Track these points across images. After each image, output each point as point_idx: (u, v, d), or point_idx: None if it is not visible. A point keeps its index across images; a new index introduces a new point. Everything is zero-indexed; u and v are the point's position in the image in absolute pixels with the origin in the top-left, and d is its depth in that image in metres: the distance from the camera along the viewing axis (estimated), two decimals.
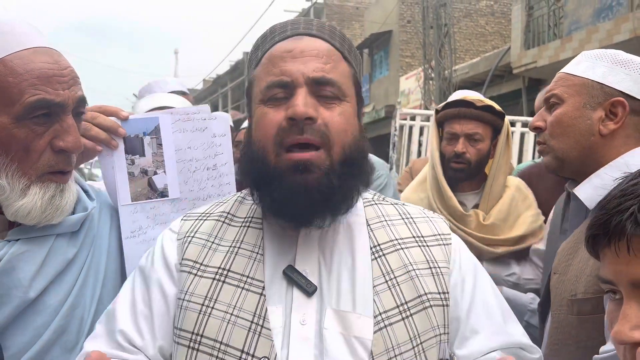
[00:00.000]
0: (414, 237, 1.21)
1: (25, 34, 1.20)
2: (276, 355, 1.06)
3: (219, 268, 1.15)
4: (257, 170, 1.13)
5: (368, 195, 1.28)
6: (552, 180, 2.28)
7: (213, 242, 1.19)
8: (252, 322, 1.08)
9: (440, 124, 2.51)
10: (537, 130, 1.66)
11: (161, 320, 1.15)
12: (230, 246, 1.18)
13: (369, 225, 1.21)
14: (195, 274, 1.15)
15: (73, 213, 1.31)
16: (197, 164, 1.52)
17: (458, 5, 19.48)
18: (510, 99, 13.41)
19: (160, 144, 1.49)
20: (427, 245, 1.20)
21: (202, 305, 1.11)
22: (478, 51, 19.66)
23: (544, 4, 12.49)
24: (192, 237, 1.21)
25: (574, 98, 1.49)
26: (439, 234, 1.23)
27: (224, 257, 1.16)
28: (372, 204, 1.26)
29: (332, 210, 1.12)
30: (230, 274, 1.14)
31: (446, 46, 15.24)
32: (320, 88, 1.11)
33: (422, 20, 16.03)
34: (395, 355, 1.07)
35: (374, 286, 1.12)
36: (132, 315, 1.15)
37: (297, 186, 1.07)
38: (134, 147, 1.48)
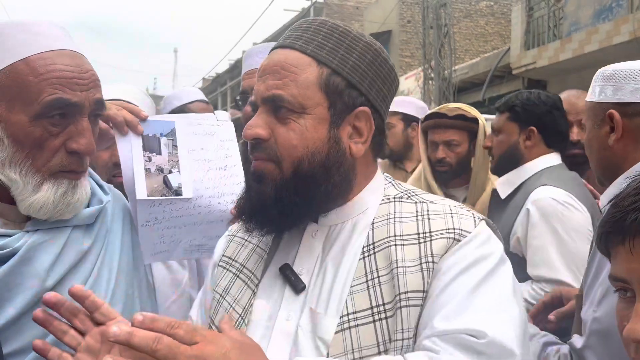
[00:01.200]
0: (417, 233, 1.11)
1: (54, 36, 1.24)
2: None
3: (240, 264, 1.26)
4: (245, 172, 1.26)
5: (392, 192, 1.21)
6: None
7: (246, 240, 1.30)
8: (240, 314, 1.18)
9: (425, 132, 2.94)
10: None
11: (199, 310, 1.34)
12: (254, 244, 1.28)
13: (373, 223, 1.17)
14: (227, 269, 1.28)
15: (88, 206, 1.35)
16: (210, 164, 1.61)
17: (458, 6, 19.49)
18: None
19: (176, 146, 1.58)
20: (431, 240, 1.09)
21: (220, 296, 1.24)
22: (478, 51, 19.67)
23: (544, 4, 12.50)
24: (235, 235, 1.33)
25: (588, 122, 1.66)
26: (454, 229, 1.09)
27: (247, 254, 1.27)
28: (390, 202, 1.19)
29: (280, 221, 1.16)
30: (244, 270, 1.25)
31: (446, 46, 15.25)
32: (273, 106, 1.14)
33: (422, 20, 16.04)
34: (355, 359, 1.04)
35: (352, 286, 1.11)
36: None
37: (254, 192, 1.17)
38: (151, 145, 1.55)
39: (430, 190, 2.81)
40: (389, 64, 1.20)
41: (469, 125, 2.77)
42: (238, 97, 2.37)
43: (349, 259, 1.14)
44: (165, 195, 1.53)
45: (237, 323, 1.17)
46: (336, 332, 1.07)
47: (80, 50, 1.28)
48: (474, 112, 2.84)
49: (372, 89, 1.16)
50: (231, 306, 1.20)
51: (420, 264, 1.07)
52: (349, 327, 1.06)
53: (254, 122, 1.15)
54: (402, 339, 1.03)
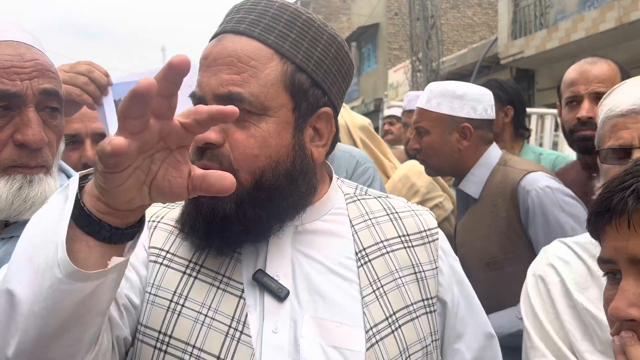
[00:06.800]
0: (399, 236, 1.13)
1: (1, 30, 1.18)
2: None
3: (190, 261, 1.04)
4: None
5: (349, 190, 1.18)
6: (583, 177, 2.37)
7: (180, 230, 1.07)
8: (229, 326, 0.98)
9: None
10: (416, 150, 2.25)
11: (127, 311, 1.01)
12: None
13: (352, 226, 1.11)
14: (162, 263, 1.03)
15: None
16: None
17: None
18: None
19: None
20: (412, 246, 1.13)
21: (171, 301, 1.00)
22: (465, 42, 19.70)
23: None
24: (158, 222, 1.09)
25: (436, 129, 2.13)
26: (425, 230, 1.16)
27: (198, 251, 1.05)
28: (355, 200, 1.16)
29: (242, 238, 1.01)
30: (202, 269, 1.03)
31: (433, 38, 15.25)
32: (230, 104, 0.97)
33: (409, 12, 16.04)
34: None
35: (363, 297, 1.03)
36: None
37: (208, 208, 0.98)
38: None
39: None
40: (350, 59, 1.11)
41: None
42: None
43: (344, 266, 1.06)
44: None
45: (227, 337, 0.98)
46: (367, 349, 1.00)
47: (36, 44, 1.21)
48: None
49: (333, 86, 1.07)
50: (206, 316, 0.98)
51: (415, 273, 1.11)
52: (377, 342, 1.01)
53: None
54: (425, 346, 1.07)
